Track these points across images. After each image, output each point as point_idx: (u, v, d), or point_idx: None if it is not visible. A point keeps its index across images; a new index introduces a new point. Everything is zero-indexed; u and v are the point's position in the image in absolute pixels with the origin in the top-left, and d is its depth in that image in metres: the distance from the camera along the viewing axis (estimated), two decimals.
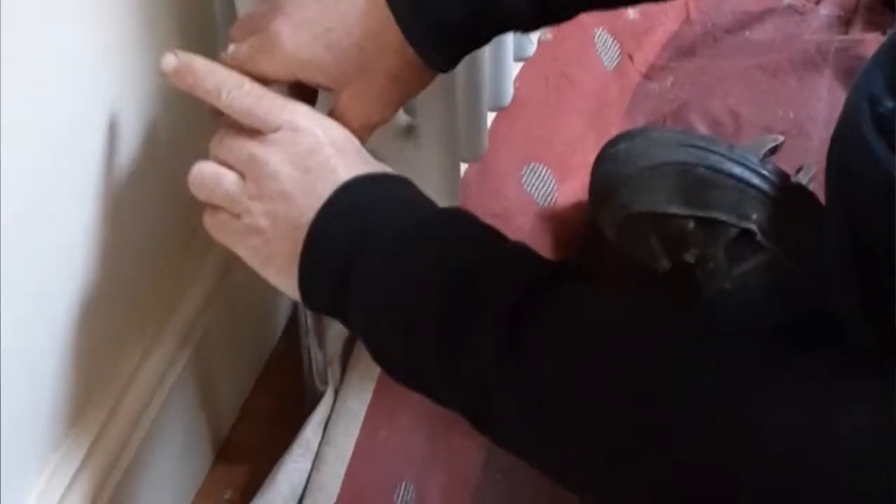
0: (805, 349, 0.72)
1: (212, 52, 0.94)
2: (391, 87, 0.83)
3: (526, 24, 0.85)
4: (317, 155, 0.81)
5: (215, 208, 0.84)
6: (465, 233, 0.81)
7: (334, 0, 0.81)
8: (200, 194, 0.84)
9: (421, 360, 0.77)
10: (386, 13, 0.80)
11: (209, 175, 0.83)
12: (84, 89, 0.87)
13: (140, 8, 0.91)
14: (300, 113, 0.83)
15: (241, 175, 0.82)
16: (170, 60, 0.84)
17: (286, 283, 0.83)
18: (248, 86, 0.83)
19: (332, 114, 0.84)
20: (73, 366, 0.94)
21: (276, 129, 0.82)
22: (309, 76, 0.83)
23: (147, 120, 0.96)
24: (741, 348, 0.72)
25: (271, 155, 0.81)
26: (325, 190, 0.80)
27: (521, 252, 0.79)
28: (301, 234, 0.80)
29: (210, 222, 0.85)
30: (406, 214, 0.81)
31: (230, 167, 0.83)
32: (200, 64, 0.84)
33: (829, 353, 0.71)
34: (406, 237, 0.79)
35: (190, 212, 1.00)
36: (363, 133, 0.85)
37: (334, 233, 0.80)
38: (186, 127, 1.00)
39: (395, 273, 0.78)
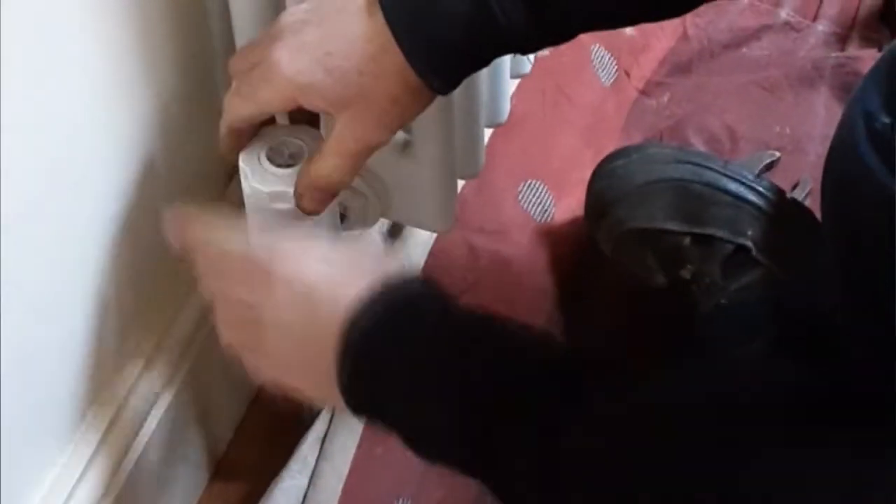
0: (832, 424, 0.73)
1: (209, 78, 0.95)
2: (391, 110, 0.83)
3: (526, 46, 0.86)
4: (310, 298, 0.81)
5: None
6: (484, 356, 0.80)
7: (333, 25, 0.81)
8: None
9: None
10: (387, 37, 0.80)
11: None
12: (79, 122, 0.87)
13: (139, 40, 0.91)
14: (282, 256, 0.82)
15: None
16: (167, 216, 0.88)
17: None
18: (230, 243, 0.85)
19: (331, 138, 0.84)
20: (67, 385, 0.94)
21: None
22: (308, 101, 0.83)
23: (145, 145, 0.96)
24: (770, 441, 0.73)
25: (267, 304, 0.82)
26: (326, 341, 0.80)
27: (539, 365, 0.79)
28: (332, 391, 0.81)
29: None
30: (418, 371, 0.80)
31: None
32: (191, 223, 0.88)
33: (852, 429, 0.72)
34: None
35: None
36: (361, 155, 0.85)
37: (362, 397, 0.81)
38: (184, 151, 1.00)
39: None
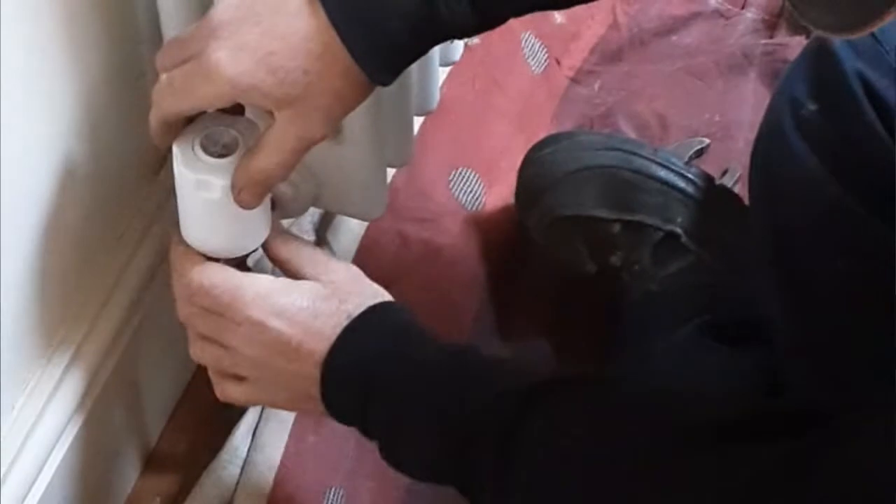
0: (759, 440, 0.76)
1: (135, 63, 0.94)
2: (335, 105, 0.84)
3: (465, 34, 0.86)
4: (285, 345, 0.88)
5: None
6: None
7: (274, 24, 0.81)
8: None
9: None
10: (331, 36, 0.80)
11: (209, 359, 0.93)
12: (3, 108, 0.86)
13: (63, 26, 0.90)
14: (248, 301, 0.89)
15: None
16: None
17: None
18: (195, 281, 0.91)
19: (271, 133, 0.85)
20: None
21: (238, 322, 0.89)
22: (250, 100, 0.84)
23: (73, 131, 0.95)
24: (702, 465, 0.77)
25: (241, 347, 0.90)
26: (306, 370, 0.89)
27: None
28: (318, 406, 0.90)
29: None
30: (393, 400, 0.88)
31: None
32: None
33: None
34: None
35: (117, 209, 1.00)
36: (303, 150, 0.86)
37: (345, 407, 0.90)
38: (112, 136, 0.99)
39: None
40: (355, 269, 0.94)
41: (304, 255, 0.94)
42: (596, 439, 0.81)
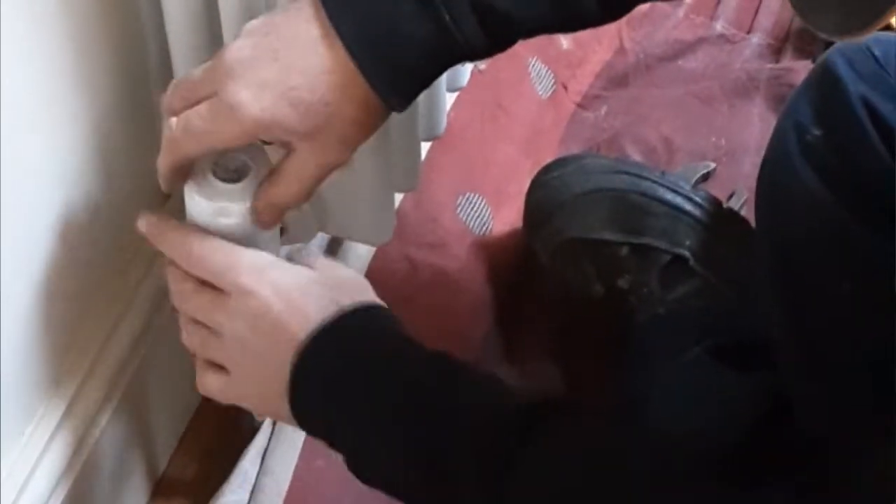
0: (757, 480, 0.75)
1: (145, 96, 0.94)
2: (353, 133, 0.85)
3: (478, 56, 0.87)
4: (267, 317, 0.85)
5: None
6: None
7: (292, 59, 0.82)
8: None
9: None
10: (350, 67, 0.81)
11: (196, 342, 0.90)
12: (13, 139, 0.86)
13: (75, 58, 0.91)
14: (244, 270, 0.86)
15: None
16: (141, 224, 0.90)
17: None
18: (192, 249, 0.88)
19: (291, 163, 0.85)
20: (4, 402, 0.93)
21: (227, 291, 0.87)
22: (273, 136, 0.84)
23: (81, 161, 0.96)
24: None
25: (226, 323, 0.87)
26: (282, 356, 0.85)
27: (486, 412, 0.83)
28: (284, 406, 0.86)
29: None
30: (376, 388, 0.85)
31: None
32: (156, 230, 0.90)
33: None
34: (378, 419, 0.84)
35: (125, 238, 1.00)
36: (323, 178, 0.87)
37: (311, 411, 0.86)
38: (120, 167, 1.00)
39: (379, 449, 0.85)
40: (363, 280, 0.91)
41: (317, 261, 0.91)
42: (587, 471, 0.79)
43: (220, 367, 0.89)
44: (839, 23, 0.62)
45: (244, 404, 0.90)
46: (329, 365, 0.85)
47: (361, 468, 0.85)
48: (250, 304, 0.85)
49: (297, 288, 0.86)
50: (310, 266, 0.89)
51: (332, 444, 0.86)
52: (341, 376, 0.84)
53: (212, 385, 0.90)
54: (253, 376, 0.87)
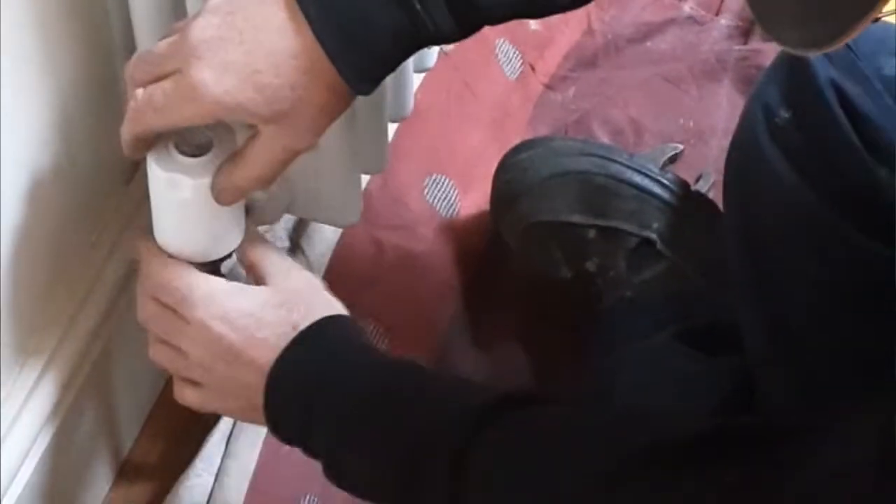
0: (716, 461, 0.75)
1: (109, 71, 0.93)
2: (320, 117, 0.84)
3: (446, 41, 0.86)
4: (229, 349, 0.89)
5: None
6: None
7: (257, 42, 0.81)
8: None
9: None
10: (317, 52, 0.80)
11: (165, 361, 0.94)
12: None
13: (38, 34, 0.90)
14: (198, 302, 0.90)
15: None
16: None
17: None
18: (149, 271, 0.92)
19: (256, 145, 0.85)
20: None
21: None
22: (236, 117, 0.84)
23: (46, 138, 0.95)
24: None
25: (190, 349, 0.91)
26: (249, 378, 0.89)
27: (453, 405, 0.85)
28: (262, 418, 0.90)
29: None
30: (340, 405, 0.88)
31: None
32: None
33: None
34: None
35: (89, 220, 0.99)
36: (288, 161, 0.87)
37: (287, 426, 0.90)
38: (85, 143, 0.99)
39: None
40: (316, 281, 0.94)
41: (269, 261, 0.94)
42: (554, 463, 0.80)
43: (192, 381, 0.93)
44: (803, 37, 0.61)
45: (225, 415, 0.93)
46: (298, 382, 0.89)
47: (337, 477, 0.89)
48: (208, 336, 0.89)
49: (252, 315, 0.90)
50: (262, 277, 0.93)
51: (309, 450, 0.90)
52: (311, 390, 0.88)
53: (190, 398, 0.93)
54: (226, 391, 0.91)
